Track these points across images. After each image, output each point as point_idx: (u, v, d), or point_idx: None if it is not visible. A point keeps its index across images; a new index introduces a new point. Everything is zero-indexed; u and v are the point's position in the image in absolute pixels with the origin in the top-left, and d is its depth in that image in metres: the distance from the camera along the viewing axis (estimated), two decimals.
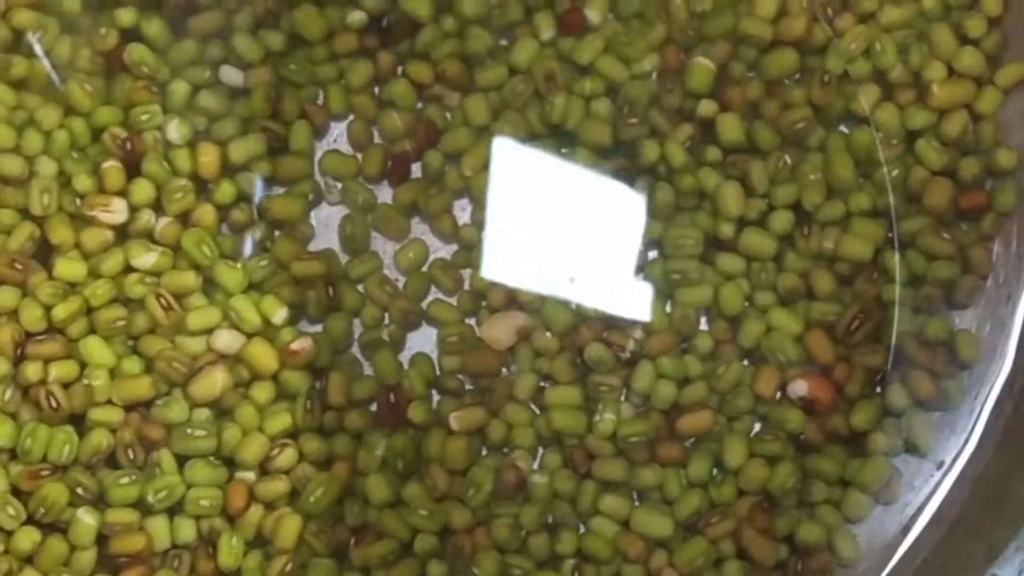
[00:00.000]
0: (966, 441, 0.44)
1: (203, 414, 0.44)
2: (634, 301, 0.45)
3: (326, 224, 0.46)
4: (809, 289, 0.44)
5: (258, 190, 0.46)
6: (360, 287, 0.46)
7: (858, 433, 0.44)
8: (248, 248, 0.46)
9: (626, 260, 0.45)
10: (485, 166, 0.46)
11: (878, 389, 0.44)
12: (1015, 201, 0.44)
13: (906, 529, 0.44)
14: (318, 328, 0.45)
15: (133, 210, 0.45)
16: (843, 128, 0.46)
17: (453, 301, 0.46)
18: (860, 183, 0.45)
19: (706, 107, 0.45)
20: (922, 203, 0.44)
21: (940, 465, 0.44)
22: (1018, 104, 0.45)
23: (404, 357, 0.45)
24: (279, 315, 0.45)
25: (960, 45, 0.45)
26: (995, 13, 0.45)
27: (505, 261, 0.45)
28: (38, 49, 0.46)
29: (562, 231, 0.45)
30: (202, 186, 0.46)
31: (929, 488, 0.44)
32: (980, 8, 0.45)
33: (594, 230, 0.45)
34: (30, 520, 0.43)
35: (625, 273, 0.45)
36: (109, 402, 0.44)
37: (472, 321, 0.45)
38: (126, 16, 0.46)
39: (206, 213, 0.45)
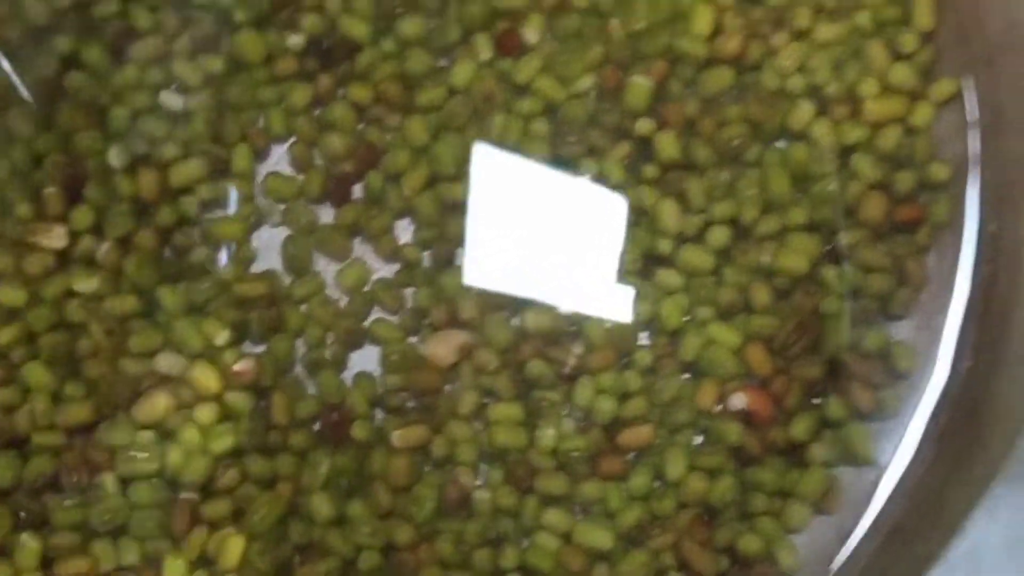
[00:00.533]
0: (903, 450, 0.44)
1: (146, 436, 0.44)
2: (574, 316, 0.45)
3: (268, 245, 0.46)
4: (747, 303, 0.45)
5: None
6: (303, 307, 0.46)
7: (797, 444, 0.44)
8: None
9: (566, 276, 0.45)
10: (425, 186, 0.46)
11: (816, 401, 0.44)
12: (949, 213, 0.45)
13: (845, 538, 0.44)
14: (261, 348, 0.45)
15: (74, 235, 0.46)
16: (780, 143, 0.46)
17: (395, 320, 0.46)
18: (796, 198, 0.45)
19: (644, 125, 0.46)
20: (858, 216, 0.45)
21: (878, 475, 0.44)
22: (951, 118, 0.45)
23: (347, 376, 0.45)
24: (221, 336, 0.45)
25: (893, 61, 0.46)
26: (927, 28, 0.46)
27: (447, 278, 0.45)
28: None
29: (513, 246, 0.46)
30: (143, 209, 0.46)
31: (867, 497, 0.44)
32: (913, 24, 0.46)
33: (539, 246, 0.46)
34: None
35: (566, 289, 0.45)
36: (52, 426, 0.44)
37: (414, 339, 0.46)
38: (65, 43, 0.47)
39: (147, 237, 0.46)
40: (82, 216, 0.45)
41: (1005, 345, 0.42)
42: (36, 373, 0.44)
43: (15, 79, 0.47)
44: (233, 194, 0.46)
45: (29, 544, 0.43)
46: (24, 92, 0.46)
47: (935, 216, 0.45)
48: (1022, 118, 0.43)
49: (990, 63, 0.44)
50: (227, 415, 0.44)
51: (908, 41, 0.46)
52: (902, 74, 0.46)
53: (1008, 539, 0.37)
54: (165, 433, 0.44)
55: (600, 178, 0.46)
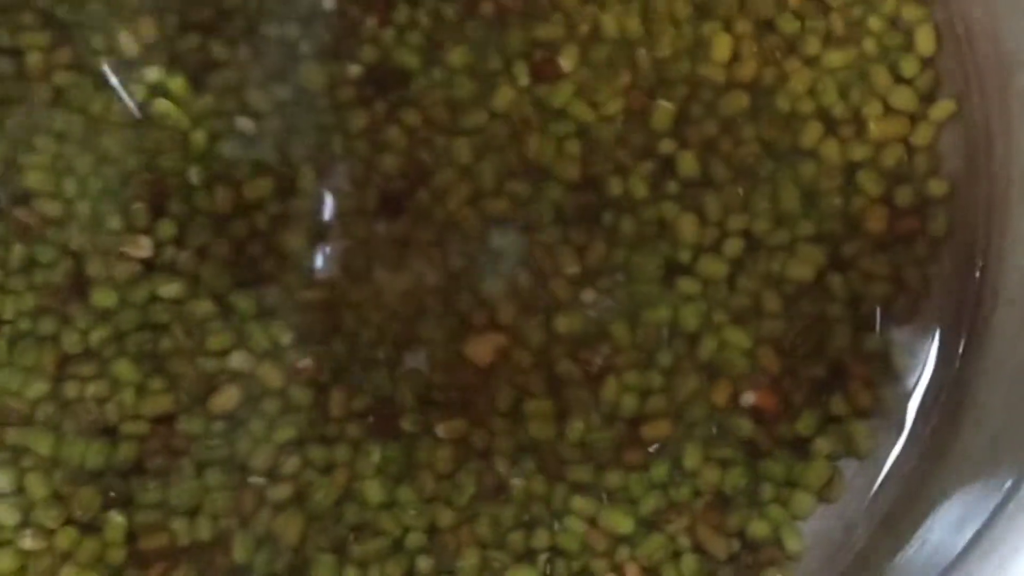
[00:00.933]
0: (899, 445, 0.48)
1: (219, 426, 0.50)
2: (602, 320, 0.49)
3: (329, 255, 0.52)
4: (759, 308, 0.49)
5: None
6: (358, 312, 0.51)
7: (803, 438, 0.48)
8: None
9: (594, 283, 0.50)
10: (469, 201, 0.51)
11: (821, 398, 0.48)
12: (946, 226, 0.48)
13: (847, 525, 0.48)
14: (322, 348, 0.51)
15: (158, 245, 0.51)
16: (791, 160, 0.50)
17: (440, 323, 0.51)
18: (805, 211, 0.49)
19: (666, 145, 0.50)
20: (861, 228, 0.49)
21: (876, 467, 0.48)
22: (950, 137, 0.49)
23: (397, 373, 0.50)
24: (286, 337, 0.50)
25: (895, 84, 0.49)
26: (928, 54, 0.49)
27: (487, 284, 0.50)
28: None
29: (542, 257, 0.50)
30: (220, 222, 0.52)
31: (866, 487, 0.48)
32: (914, 50, 0.49)
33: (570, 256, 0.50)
34: (69, 521, 0.49)
35: (593, 295, 0.50)
36: (137, 416, 0.50)
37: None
38: (153, 74, 0.52)
39: (222, 247, 0.51)
40: (165, 228, 0.51)
41: (986, 351, 0.45)
42: (124, 368, 0.50)
43: (128, 100, 0.52)
44: (299, 209, 0.52)
45: (116, 520, 0.48)
46: (135, 111, 0.52)
47: (933, 229, 0.48)
48: (1008, 142, 0.46)
49: (981, 88, 0.48)
50: (290, 408, 0.50)
51: (909, 66, 0.49)
52: (904, 97, 0.49)
53: None
54: (236, 423, 0.50)
55: (626, 194, 0.50)
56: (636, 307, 0.49)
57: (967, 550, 0.38)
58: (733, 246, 0.49)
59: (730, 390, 0.48)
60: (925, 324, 0.48)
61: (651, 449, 0.49)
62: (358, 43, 0.52)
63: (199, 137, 0.52)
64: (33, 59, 0.52)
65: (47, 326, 0.50)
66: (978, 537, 0.38)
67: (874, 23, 0.50)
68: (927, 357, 0.48)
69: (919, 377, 0.48)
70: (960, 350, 0.47)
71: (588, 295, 0.49)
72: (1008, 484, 0.39)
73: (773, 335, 0.48)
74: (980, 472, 0.42)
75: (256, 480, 0.49)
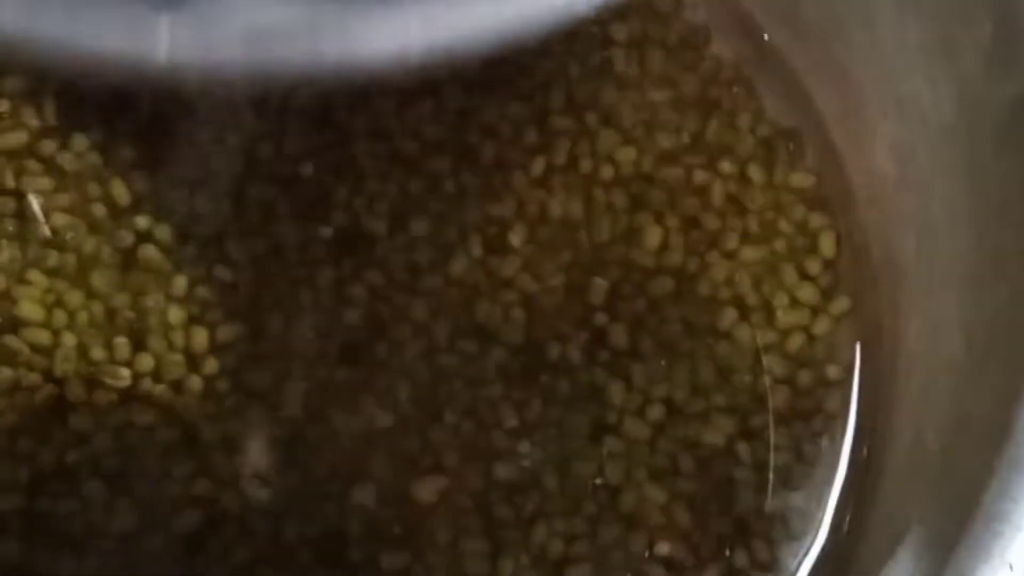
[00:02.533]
0: None
1: (179, 546, 0.55)
2: (535, 470, 0.55)
3: (292, 394, 0.57)
4: (675, 468, 0.55)
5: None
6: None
7: None
8: None
9: (530, 436, 0.56)
10: (423, 355, 0.57)
11: (727, 552, 0.54)
12: (839, 406, 0.55)
13: None
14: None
15: (136, 377, 0.56)
16: (708, 340, 0.56)
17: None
18: (719, 385, 0.56)
19: (600, 318, 0.57)
20: (767, 404, 0.56)
21: None
22: (844, 328, 0.56)
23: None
24: (247, 469, 0.55)
25: (801, 280, 0.56)
26: (830, 256, 0.56)
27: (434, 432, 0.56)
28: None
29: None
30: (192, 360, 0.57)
31: None
32: (818, 252, 0.57)
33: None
34: None
35: (528, 447, 0.56)
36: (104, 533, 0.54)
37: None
38: (142, 221, 0.58)
39: (195, 382, 0.56)
40: (143, 362, 0.56)
41: (869, 517, 0.52)
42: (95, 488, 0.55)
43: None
44: (266, 351, 0.57)
45: None
46: None
47: (828, 408, 0.55)
48: (895, 335, 0.54)
49: (873, 288, 0.56)
50: (245, 532, 0.54)
51: (813, 265, 0.56)
52: (807, 292, 0.56)
53: None
54: (195, 544, 0.54)
55: (563, 358, 0.56)
56: (566, 460, 0.55)
57: None
58: (655, 411, 0.55)
59: (646, 540, 0.54)
60: (819, 492, 0.55)
61: None
62: (331, 208, 0.58)
63: (180, 281, 0.57)
64: (34, 202, 0.57)
65: (25, 445, 0.55)
66: None
67: (784, 226, 0.57)
68: (820, 521, 0.54)
69: (813, 538, 0.54)
70: (848, 516, 0.54)
71: (524, 447, 0.55)
72: None
73: (687, 493, 0.54)
74: None
75: None
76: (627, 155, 0.58)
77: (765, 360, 0.56)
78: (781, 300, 0.56)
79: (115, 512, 0.54)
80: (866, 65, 0.54)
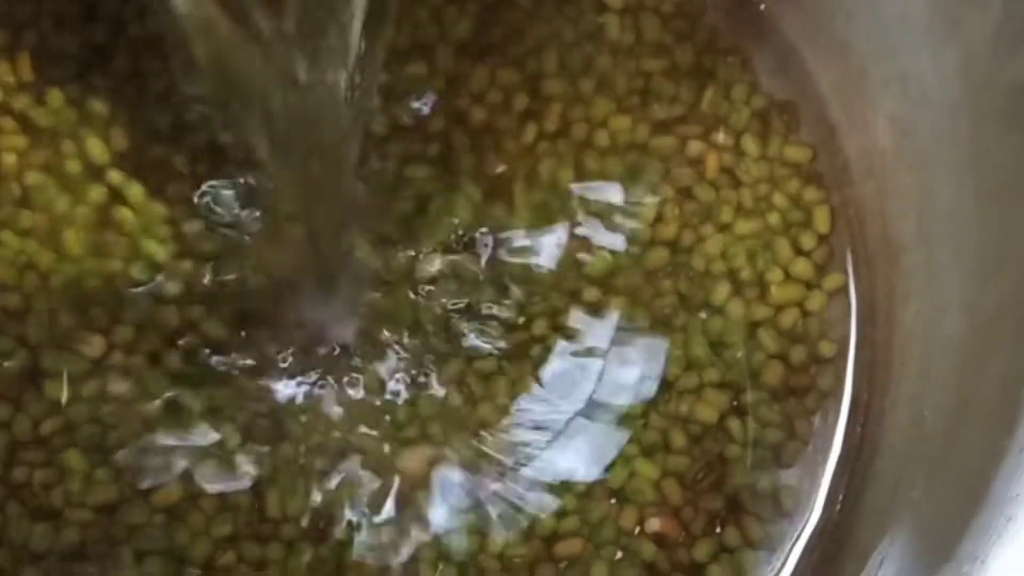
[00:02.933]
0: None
1: (160, 518, 0.53)
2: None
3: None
4: (667, 444, 0.54)
5: None
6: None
7: (699, 564, 0.53)
8: None
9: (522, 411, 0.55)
10: None
11: (717, 529, 0.54)
12: (833, 383, 0.55)
13: None
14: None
15: (109, 347, 0.55)
16: (702, 314, 0.56)
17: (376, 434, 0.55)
18: (712, 360, 0.55)
19: (590, 294, 0.56)
20: (760, 380, 0.55)
21: None
22: (839, 305, 0.55)
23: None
24: (232, 440, 0.54)
25: (795, 255, 0.56)
26: (824, 231, 0.56)
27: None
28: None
29: None
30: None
31: None
32: (812, 227, 0.56)
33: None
34: None
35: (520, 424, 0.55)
36: (82, 504, 0.53)
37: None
38: (116, 177, 0.56)
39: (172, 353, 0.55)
40: (122, 332, 0.54)
41: (864, 496, 0.52)
42: (73, 458, 0.53)
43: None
44: None
45: None
46: None
47: (821, 385, 0.55)
48: (891, 313, 0.54)
49: (869, 265, 0.55)
50: (228, 506, 0.53)
51: (807, 240, 0.56)
52: (802, 267, 0.56)
53: None
54: (176, 516, 0.53)
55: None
56: (557, 433, 0.54)
57: None
58: (647, 386, 0.55)
59: (637, 516, 0.53)
60: (812, 469, 0.54)
61: (562, 565, 0.53)
62: None
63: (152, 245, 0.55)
64: (8, 160, 0.55)
65: (1, 413, 0.53)
66: None
67: (779, 200, 0.56)
68: (814, 498, 0.54)
69: (806, 516, 0.54)
70: (842, 495, 0.53)
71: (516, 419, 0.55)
72: None
73: (678, 469, 0.54)
74: None
75: (192, 571, 0.52)
76: (622, 123, 0.57)
77: (758, 335, 0.55)
78: (775, 275, 0.56)
79: (94, 483, 0.53)
80: (867, 38, 0.53)
